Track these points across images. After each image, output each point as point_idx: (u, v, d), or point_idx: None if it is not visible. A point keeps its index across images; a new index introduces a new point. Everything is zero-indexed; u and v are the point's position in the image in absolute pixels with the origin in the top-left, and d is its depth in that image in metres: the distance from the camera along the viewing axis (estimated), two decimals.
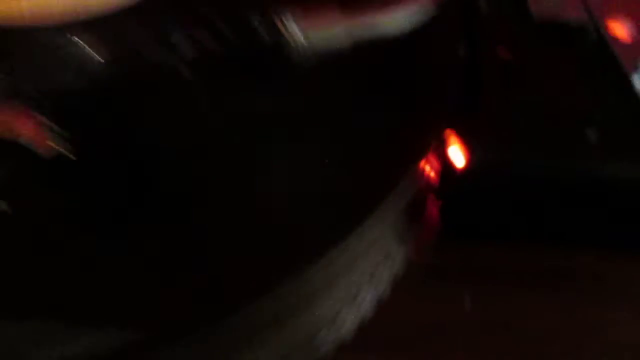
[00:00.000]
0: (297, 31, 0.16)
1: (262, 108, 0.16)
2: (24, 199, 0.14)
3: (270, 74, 0.16)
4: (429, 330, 0.22)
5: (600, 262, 0.24)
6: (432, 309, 0.22)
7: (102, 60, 0.13)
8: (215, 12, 0.14)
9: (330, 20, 0.16)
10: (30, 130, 0.13)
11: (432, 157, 0.24)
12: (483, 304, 0.22)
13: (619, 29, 0.24)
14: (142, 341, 0.13)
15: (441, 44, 0.22)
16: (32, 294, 0.13)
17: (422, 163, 0.23)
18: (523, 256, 0.23)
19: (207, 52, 0.14)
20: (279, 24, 0.15)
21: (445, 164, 0.24)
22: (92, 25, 0.14)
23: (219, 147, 0.15)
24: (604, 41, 0.24)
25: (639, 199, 0.22)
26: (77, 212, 0.14)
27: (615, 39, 0.24)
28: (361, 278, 0.22)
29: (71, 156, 0.13)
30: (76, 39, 0.13)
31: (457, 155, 0.23)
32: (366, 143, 0.18)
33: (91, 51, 0.13)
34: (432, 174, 0.25)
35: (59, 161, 0.13)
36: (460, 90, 0.22)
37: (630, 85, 0.22)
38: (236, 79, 0.15)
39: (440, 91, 0.22)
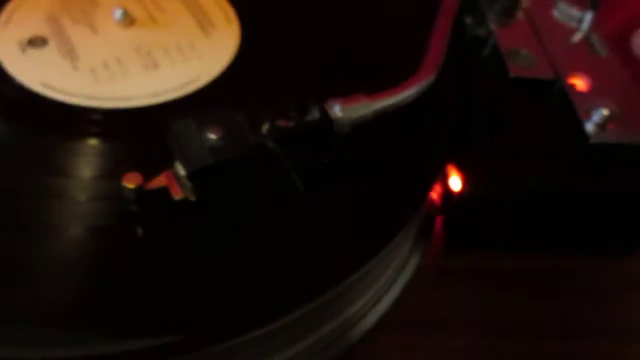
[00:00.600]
0: (338, 111, 0.23)
1: (317, 159, 0.23)
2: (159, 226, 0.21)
3: (322, 139, 0.23)
4: (439, 322, 0.27)
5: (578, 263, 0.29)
6: (441, 305, 0.27)
7: (216, 139, 0.20)
8: (287, 104, 0.22)
9: (359, 103, 0.23)
10: (171, 183, 0.21)
11: (437, 185, 0.31)
12: (480, 299, 0.28)
13: (579, 83, 0.31)
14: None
15: (441, 99, 0.28)
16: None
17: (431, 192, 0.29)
18: (506, 260, 0.29)
19: (284, 131, 0.21)
20: (327, 108, 0.23)
21: (447, 189, 0.30)
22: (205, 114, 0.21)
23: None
24: (565, 93, 0.29)
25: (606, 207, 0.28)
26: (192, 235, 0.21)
27: (575, 91, 0.30)
28: (386, 282, 0.27)
29: (192, 199, 0.21)
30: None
31: (455, 182, 0.30)
32: (392, 177, 0.24)
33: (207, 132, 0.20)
34: (436, 197, 0.31)
35: (184, 202, 0.21)
36: (457, 133, 0.28)
37: (582, 128, 0.28)
38: (301, 144, 0.22)
39: (442, 135, 0.27)
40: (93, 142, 0.23)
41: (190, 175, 0.19)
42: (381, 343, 0.26)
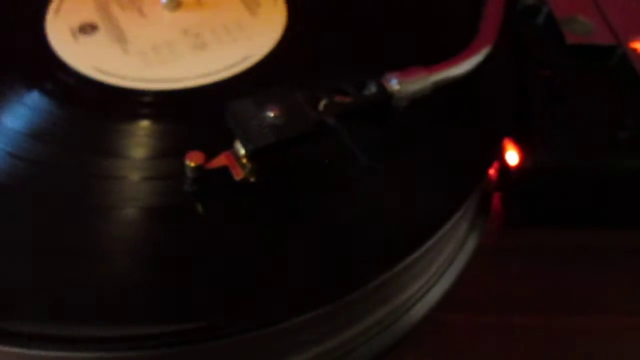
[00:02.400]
0: (395, 85, 0.22)
1: (376, 134, 0.23)
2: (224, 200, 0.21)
3: (380, 114, 0.22)
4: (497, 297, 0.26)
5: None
6: (500, 283, 0.27)
7: (275, 117, 0.20)
8: (344, 79, 0.21)
9: (417, 76, 0.22)
10: (231, 163, 0.21)
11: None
12: (535, 275, 0.27)
13: None
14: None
15: (498, 72, 0.27)
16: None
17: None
18: (568, 236, 0.28)
19: (342, 107, 0.21)
20: (384, 82, 0.22)
21: (504, 164, 0.29)
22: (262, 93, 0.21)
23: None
24: (628, 59, 0.28)
25: None
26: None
27: (638, 56, 0.29)
28: (446, 258, 0.27)
29: (252, 180, 0.21)
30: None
31: (512, 157, 0.29)
32: (451, 154, 0.24)
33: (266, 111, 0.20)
34: (494, 173, 0.30)
35: (245, 182, 0.21)
36: (514, 107, 0.26)
37: None
38: (361, 120, 0.21)
39: (500, 109, 0.26)
40: (145, 124, 0.23)
41: (252, 155, 0.19)
42: (443, 321, 0.25)
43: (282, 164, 0.22)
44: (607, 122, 0.27)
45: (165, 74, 0.25)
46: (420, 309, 0.25)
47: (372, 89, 0.22)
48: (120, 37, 0.27)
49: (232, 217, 0.21)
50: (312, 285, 0.19)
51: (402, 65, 0.22)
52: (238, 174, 0.20)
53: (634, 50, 0.29)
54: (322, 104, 0.21)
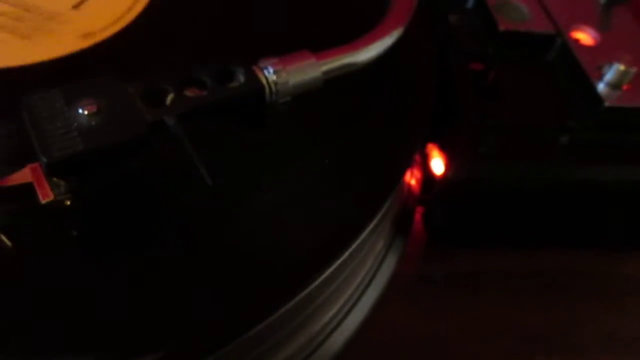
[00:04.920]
0: (271, 75, 0.17)
1: (243, 140, 0.17)
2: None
3: (251, 114, 0.17)
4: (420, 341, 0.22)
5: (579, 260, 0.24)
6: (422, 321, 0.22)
7: (91, 116, 0.14)
8: (204, 70, 0.16)
9: (303, 63, 0.17)
10: (38, 180, 0.15)
11: (415, 170, 0.25)
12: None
13: (583, 37, 0.25)
14: None
15: (412, 63, 0.22)
16: None
17: (407, 176, 0.24)
18: (503, 260, 0.24)
19: (194, 103, 0.15)
20: (256, 71, 0.17)
21: (427, 174, 0.25)
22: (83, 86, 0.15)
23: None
24: (569, 50, 0.24)
25: (612, 199, 0.23)
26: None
27: (580, 47, 0.25)
28: (356, 289, 0.23)
29: (67, 203, 0.15)
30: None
31: (437, 165, 0.24)
32: (354, 161, 0.19)
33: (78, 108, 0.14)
34: (415, 184, 0.26)
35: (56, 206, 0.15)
36: (437, 106, 0.22)
37: (594, 91, 0.23)
38: (218, 122, 0.16)
39: (417, 107, 0.22)
40: None
41: (49, 170, 0.14)
42: None
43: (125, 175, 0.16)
44: (546, 124, 0.23)
45: None
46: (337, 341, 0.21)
47: (240, 78, 0.16)
48: None
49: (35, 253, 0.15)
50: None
51: (286, 50, 0.17)
52: (45, 196, 0.15)
53: (576, 40, 0.25)
54: (169, 98, 0.16)
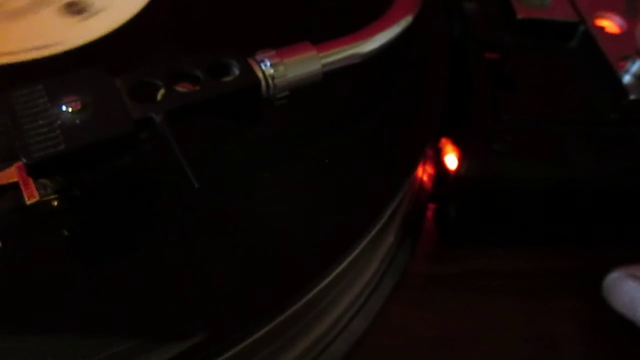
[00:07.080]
0: (268, 68, 0.16)
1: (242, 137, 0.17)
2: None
3: (247, 110, 0.16)
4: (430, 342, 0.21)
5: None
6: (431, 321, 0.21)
7: (75, 113, 0.14)
8: (196, 63, 0.15)
9: (301, 55, 0.16)
10: (24, 180, 0.14)
11: (427, 166, 0.24)
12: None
13: (608, 25, 0.24)
14: None
15: (425, 52, 0.22)
16: None
17: (419, 172, 0.23)
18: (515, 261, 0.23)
19: (184, 99, 0.15)
20: (252, 64, 0.16)
21: (441, 169, 0.24)
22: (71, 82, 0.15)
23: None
24: (592, 38, 0.23)
25: (632, 199, 0.22)
26: None
27: (604, 35, 0.23)
28: (364, 289, 0.22)
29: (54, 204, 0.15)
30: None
31: (451, 160, 0.23)
32: (361, 156, 0.18)
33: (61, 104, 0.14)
34: (427, 181, 0.25)
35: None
36: (447, 97, 0.21)
37: (619, 83, 0.21)
38: (209, 119, 0.15)
39: (430, 100, 0.21)
40: None
41: (30, 171, 0.13)
42: None
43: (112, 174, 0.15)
44: (566, 119, 0.22)
45: None
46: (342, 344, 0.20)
47: (235, 72, 0.15)
48: None
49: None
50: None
51: (285, 42, 0.16)
52: (30, 196, 0.14)
53: (600, 28, 0.23)
54: (160, 94, 0.15)
